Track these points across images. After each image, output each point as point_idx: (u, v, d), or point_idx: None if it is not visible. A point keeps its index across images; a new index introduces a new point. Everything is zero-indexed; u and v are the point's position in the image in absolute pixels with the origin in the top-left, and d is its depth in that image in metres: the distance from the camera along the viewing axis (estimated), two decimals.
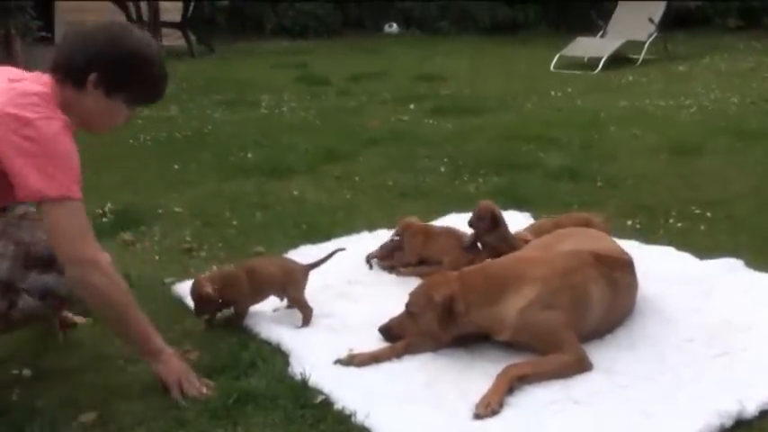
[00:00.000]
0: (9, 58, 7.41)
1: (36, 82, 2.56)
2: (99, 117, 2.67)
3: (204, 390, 2.66)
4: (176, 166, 5.86)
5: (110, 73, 2.59)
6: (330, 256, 3.45)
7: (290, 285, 3.25)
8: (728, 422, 2.46)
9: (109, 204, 4.69)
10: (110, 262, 2.64)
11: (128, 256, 4.02)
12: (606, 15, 12.76)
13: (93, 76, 2.57)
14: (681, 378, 2.72)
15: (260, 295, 3.26)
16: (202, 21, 14.46)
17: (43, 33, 8.45)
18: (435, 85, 9.94)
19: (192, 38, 13.22)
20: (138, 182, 5.36)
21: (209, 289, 3.12)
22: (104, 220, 4.54)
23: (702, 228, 4.34)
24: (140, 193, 5.09)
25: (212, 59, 12.79)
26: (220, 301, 3.17)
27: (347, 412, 2.53)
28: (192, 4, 13.31)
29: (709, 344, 2.95)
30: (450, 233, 3.85)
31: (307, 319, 3.22)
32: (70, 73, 2.58)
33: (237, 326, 3.18)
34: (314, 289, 3.47)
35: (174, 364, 2.70)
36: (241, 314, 3.22)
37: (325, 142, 6.55)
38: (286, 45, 14.94)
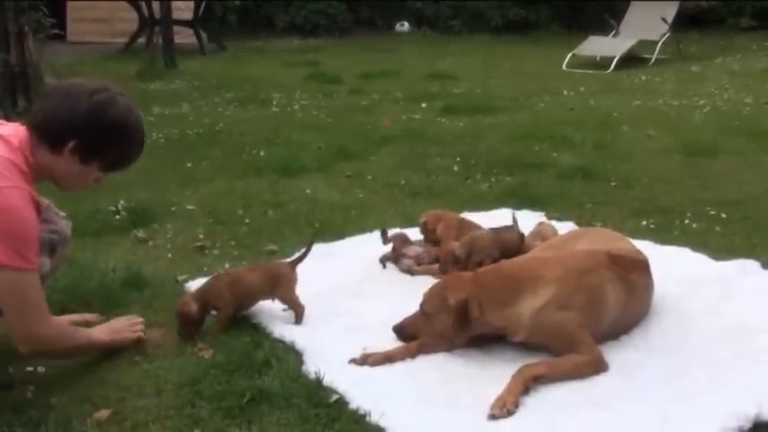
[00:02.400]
0: (22, 55, 7.43)
1: (9, 140, 2.54)
2: (69, 179, 2.71)
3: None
4: (189, 164, 5.87)
5: (89, 143, 2.61)
6: (309, 247, 3.42)
7: (279, 287, 3.22)
8: (747, 425, 2.43)
9: (122, 202, 4.69)
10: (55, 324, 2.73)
11: (141, 254, 4.04)
12: (618, 15, 12.71)
13: (71, 144, 2.58)
14: (698, 380, 2.69)
15: (247, 302, 3.22)
16: (214, 19, 14.48)
17: (56, 31, 8.45)
18: (447, 84, 9.90)
19: (204, 36, 13.24)
20: (150, 179, 5.35)
21: (192, 308, 3.07)
22: (117, 217, 4.54)
23: (718, 229, 4.32)
24: (153, 190, 5.10)
25: (224, 57, 12.79)
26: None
27: (362, 412, 2.52)
28: (204, 3, 13.33)
29: (726, 346, 2.93)
30: (477, 227, 3.87)
31: (299, 317, 3.19)
32: (48, 137, 2.58)
33: (218, 330, 3.11)
34: (327, 288, 3.48)
35: (111, 325, 2.97)
36: (222, 319, 3.14)
37: (338, 141, 6.54)
38: (297, 43, 14.94)
